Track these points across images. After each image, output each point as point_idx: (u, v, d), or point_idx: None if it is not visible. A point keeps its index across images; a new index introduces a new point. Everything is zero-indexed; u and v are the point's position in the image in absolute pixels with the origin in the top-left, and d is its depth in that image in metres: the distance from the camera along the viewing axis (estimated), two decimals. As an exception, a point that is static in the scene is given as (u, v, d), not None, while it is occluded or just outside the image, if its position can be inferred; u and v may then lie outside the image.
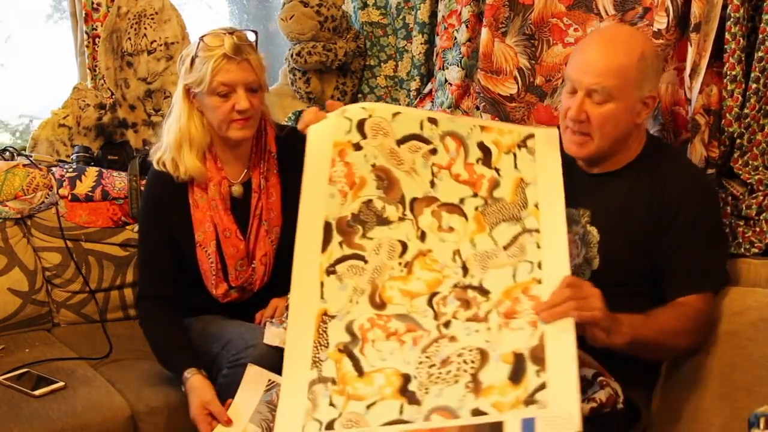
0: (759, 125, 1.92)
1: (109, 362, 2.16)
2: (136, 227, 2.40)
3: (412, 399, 1.50)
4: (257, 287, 2.00)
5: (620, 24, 2.11)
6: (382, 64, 3.00)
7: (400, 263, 1.65)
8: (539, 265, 1.58)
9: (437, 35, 2.65)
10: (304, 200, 1.67)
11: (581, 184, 1.80)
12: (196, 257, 1.97)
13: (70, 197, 2.47)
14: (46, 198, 2.44)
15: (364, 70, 3.01)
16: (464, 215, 1.68)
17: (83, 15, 2.76)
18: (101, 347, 2.21)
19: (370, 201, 1.69)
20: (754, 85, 1.89)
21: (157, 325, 1.97)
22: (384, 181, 1.70)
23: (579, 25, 2.24)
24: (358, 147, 1.71)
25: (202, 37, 1.89)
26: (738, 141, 1.94)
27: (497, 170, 1.71)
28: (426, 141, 1.73)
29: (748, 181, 1.93)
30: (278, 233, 2.01)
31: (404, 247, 1.66)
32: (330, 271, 1.63)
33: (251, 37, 1.93)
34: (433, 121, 1.75)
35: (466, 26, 2.44)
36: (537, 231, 1.62)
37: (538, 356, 1.47)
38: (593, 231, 1.78)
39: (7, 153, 2.57)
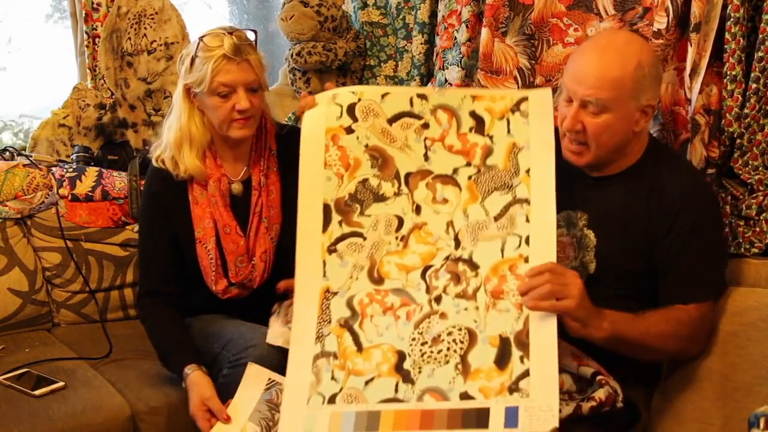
0: (759, 125, 1.92)
1: (109, 362, 2.16)
2: (137, 227, 2.40)
3: (407, 378, 1.61)
4: (257, 284, 2.00)
5: (617, 30, 2.04)
6: (382, 64, 3.00)
7: (396, 237, 1.73)
8: (527, 241, 1.65)
9: (437, 35, 2.65)
10: (303, 186, 1.76)
11: (580, 186, 1.80)
12: (196, 254, 1.98)
13: (70, 197, 2.47)
14: (46, 198, 2.44)
15: (364, 70, 3.01)
16: (458, 185, 1.74)
17: (83, 15, 2.77)
18: (101, 347, 2.21)
19: (365, 180, 1.77)
20: (754, 85, 1.89)
21: (158, 322, 1.98)
22: (378, 159, 1.78)
23: (579, 25, 2.24)
24: (350, 130, 1.79)
25: (202, 37, 1.89)
26: (738, 141, 1.94)
27: (491, 137, 1.75)
28: (417, 116, 1.79)
29: (748, 181, 1.93)
30: (278, 230, 2.01)
31: (400, 221, 1.74)
32: (331, 249, 1.73)
33: (251, 36, 1.93)
34: (422, 96, 1.80)
35: (466, 26, 2.44)
36: (527, 202, 1.68)
37: (523, 342, 1.56)
38: (590, 235, 1.77)
39: (7, 153, 2.57)
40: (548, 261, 1.60)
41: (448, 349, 1.61)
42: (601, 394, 1.59)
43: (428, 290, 1.68)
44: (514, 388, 1.53)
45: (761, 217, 1.91)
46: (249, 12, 3.57)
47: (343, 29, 2.94)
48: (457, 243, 1.70)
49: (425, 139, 1.78)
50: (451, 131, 1.77)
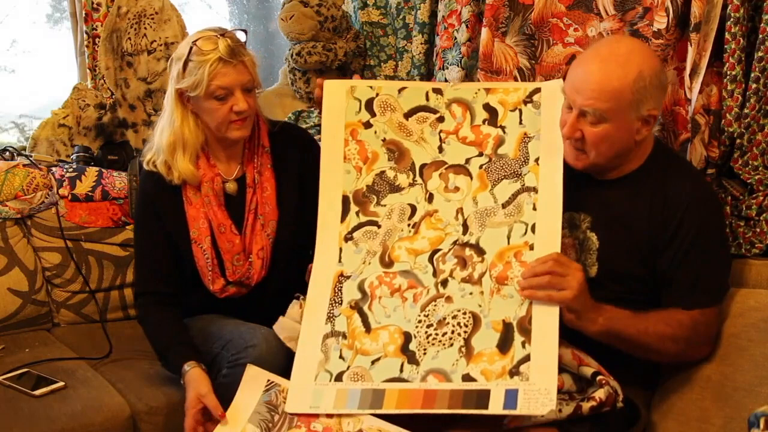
0: (759, 125, 1.92)
1: (109, 362, 2.16)
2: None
3: (412, 359, 1.67)
4: (255, 281, 2.00)
5: (621, 38, 1.97)
6: (382, 64, 3.00)
7: (408, 225, 1.81)
8: (533, 229, 1.70)
9: (437, 35, 2.65)
10: (323, 178, 1.85)
11: (583, 188, 1.78)
12: (192, 254, 1.98)
13: (70, 197, 2.47)
14: (46, 198, 2.44)
15: (364, 70, 3.01)
16: (469, 174, 1.81)
17: (83, 15, 2.77)
18: (101, 347, 2.21)
19: (383, 172, 1.85)
20: (754, 85, 1.89)
21: (156, 322, 1.97)
22: (395, 152, 1.86)
23: (579, 25, 2.24)
24: (368, 125, 1.87)
25: (195, 41, 1.87)
26: (738, 141, 1.93)
27: (503, 128, 1.82)
28: (433, 111, 1.87)
29: (748, 181, 1.93)
30: (274, 227, 2.01)
31: (413, 209, 1.82)
32: (348, 238, 1.82)
33: (241, 36, 1.93)
34: (438, 91, 1.88)
35: (466, 26, 2.44)
36: (535, 190, 1.73)
37: (525, 327, 1.61)
38: (593, 237, 1.76)
39: (7, 153, 2.57)
40: (553, 250, 1.64)
41: (453, 332, 1.67)
42: (601, 394, 1.59)
43: (435, 273, 1.74)
44: (514, 372, 1.57)
45: (761, 218, 1.90)
46: (249, 12, 3.57)
47: (343, 29, 2.94)
48: (465, 228, 1.76)
49: (440, 132, 1.85)
50: (465, 124, 1.84)
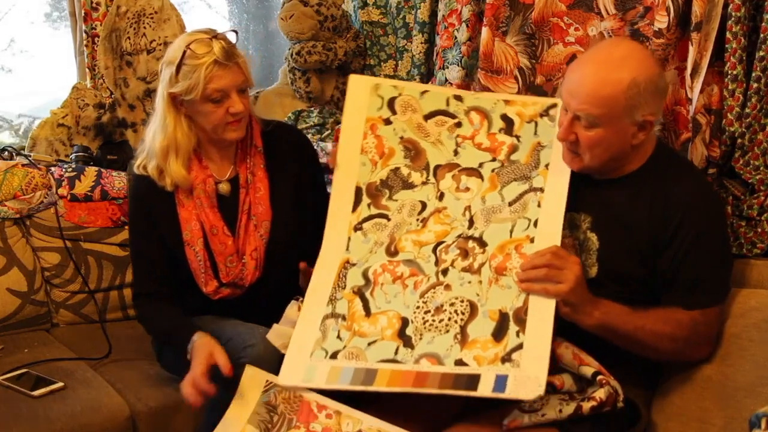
0: (760, 125, 1.91)
1: (109, 362, 2.16)
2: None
3: (407, 343, 1.70)
4: (248, 282, 1.99)
5: (619, 42, 1.92)
6: (382, 63, 2.99)
7: (417, 219, 1.85)
8: (535, 224, 1.73)
9: (437, 35, 2.64)
10: (339, 168, 1.90)
11: (583, 188, 1.78)
12: (185, 256, 1.97)
13: (69, 197, 2.47)
14: (45, 198, 2.44)
15: (364, 70, 3.00)
16: (481, 177, 1.86)
17: (82, 14, 2.76)
18: (101, 347, 2.21)
19: (397, 168, 1.90)
20: (755, 85, 1.89)
21: (155, 315, 1.97)
22: (411, 151, 1.91)
23: (579, 25, 2.24)
24: (388, 122, 1.93)
25: (189, 44, 1.86)
26: (739, 140, 1.93)
27: (517, 137, 1.87)
28: (452, 116, 1.92)
29: (750, 181, 1.93)
30: (268, 227, 2.00)
31: (423, 206, 1.86)
32: (357, 228, 1.86)
33: (232, 38, 1.92)
34: (458, 98, 1.94)
35: (467, 25, 2.44)
36: (541, 190, 1.77)
37: (521, 318, 1.63)
38: (593, 238, 1.76)
39: (6, 153, 2.57)
40: (552, 243, 1.66)
41: (449, 319, 1.70)
42: (601, 394, 1.59)
43: (437, 263, 1.78)
44: (506, 359, 1.60)
45: (763, 218, 1.90)
46: (249, 11, 3.56)
47: (342, 29, 2.93)
48: (471, 223, 1.80)
49: (457, 136, 1.90)
50: (481, 131, 1.90)
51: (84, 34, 2.77)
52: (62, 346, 2.26)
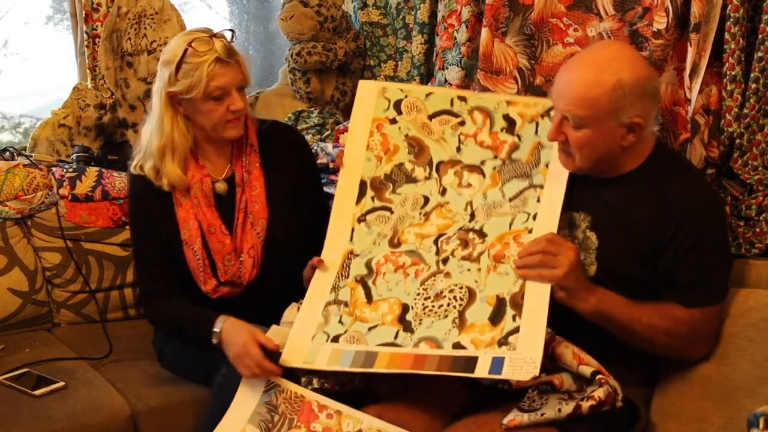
0: (758, 125, 1.92)
1: (109, 362, 2.16)
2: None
3: (407, 327, 1.76)
4: (246, 280, 2.00)
5: (608, 44, 1.94)
6: (382, 64, 3.00)
7: (420, 213, 1.91)
8: (534, 217, 1.78)
9: (437, 35, 2.65)
10: (346, 164, 1.97)
11: (582, 188, 1.79)
12: (184, 255, 1.98)
13: (70, 197, 2.47)
14: (46, 198, 2.44)
15: (364, 70, 3.01)
16: (483, 174, 1.91)
17: (83, 15, 2.77)
18: (101, 347, 2.21)
19: (401, 164, 1.96)
20: (753, 85, 1.89)
21: (167, 310, 1.98)
22: (415, 148, 1.97)
23: (579, 25, 2.24)
24: (393, 121, 2.00)
25: (190, 42, 1.87)
26: (737, 141, 1.93)
27: (519, 136, 1.92)
28: (455, 115, 1.98)
29: (748, 182, 1.93)
30: (264, 225, 2.01)
31: (426, 200, 1.92)
32: (360, 219, 1.92)
33: (228, 36, 1.93)
34: (462, 98, 2.00)
35: (466, 26, 2.44)
36: (541, 187, 1.82)
37: (517, 302, 1.68)
38: (592, 237, 1.76)
39: (8, 153, 2.57)
40: (549, 231, 1.70)
41: (449, 304, 1.75)
42: (600, 393, 1.59)
43: (438, 252, 1.84)
44: (503, 342, 1.65)
45: (761, 218, 1.90)
46: (249, 12, 3.57)
47: (343, 29, 2.94)
48: (472, 217, 1.86)
49: (460, 134, 1.96)
50: (484, 129, 1.95)
51: (85, 35, 2.78)
52: (63, 346, 2.26)
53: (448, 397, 1.78)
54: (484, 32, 2.36)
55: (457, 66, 2.48)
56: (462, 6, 2.45)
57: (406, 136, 1.98)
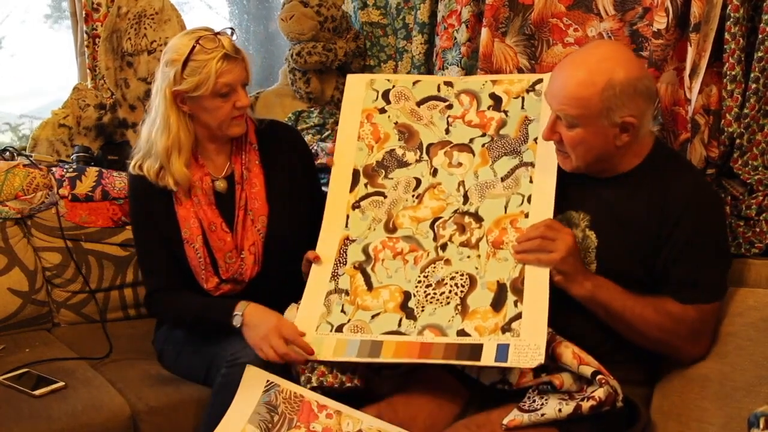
0: (759, 125, 1.92)
1: (109, 362, 2.16)
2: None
3: (410, 315, 1.78)
4: (248, 277, 2.00)
5: (600, 44, 1.93)
6: (382, 64, 3.00)
7: (413, 195, 1.94)
8: (528, 199, 1.81)
9: (437, 35, 2.65)
10: (338, 154, 2.00)
11: (581, 187, 1.79)
12: (185, 254, 1.98)
13: (70, 197, 2.47)
14: (46, 198, 2.44)
15: (363, 71, 3.01)
16: (472, 152, 1.95)
17: (83, 15, 2.76)
18: (101, 347, 2.21)
19: (392, 150, 2.00)
20: (753, 85, 1.89)
21: (179, 302, 1.98)
22: (405, 134, 2.01)
23: (579, 26, 2.24)
24: (382, 111, 2.04)
25: (197, 40, 1.87)
26: (738, 141, 1.93)
27: (506, 112, 1.96)
28: (443, 99, 2.03)
29: (748, 182, 1.93)
30: (265, 222, 2.02)
31: (418, 182, 1.95)
32: (355, 206, 1.95)
33: (230, 35, 1.95)
34: (448, 83, 2.05)
35: (466, 26, 2.44)
36: (532, 165, 1.85)
37: (518, 288, 1.72)
38: (591, 236, 1.77)
39: (7, 153, 2.57)
40: (546, 217, 1.74)
41: (450, 291, 1.78)
42: (601, 393, 1.59)
43: (435, 238, 1.87)
44: (506, 329, 1.68)
45: (761, 218, 1.90)
46: (249, 12, 3.57)
47: (343, 29, 2.94)
48: (466, 199, 1.89)
49: (448, 116, 2.00)
50: (471, 110, 1.99)
51: (85, 35, 2.77)
52: (63, 346, 2.26)
53: (448, 397, 1.78)
54: (484, 32, 2.36)
55: (457, 66, 2.48)
56: (462, 6, 2.45)
57: (396, 123, 2.02)
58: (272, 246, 2.01)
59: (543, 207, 1.77)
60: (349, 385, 1.78)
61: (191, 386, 2.00)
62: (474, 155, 1.93)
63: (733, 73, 1.90)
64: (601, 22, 2.20)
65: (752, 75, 1.89)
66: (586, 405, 1.59)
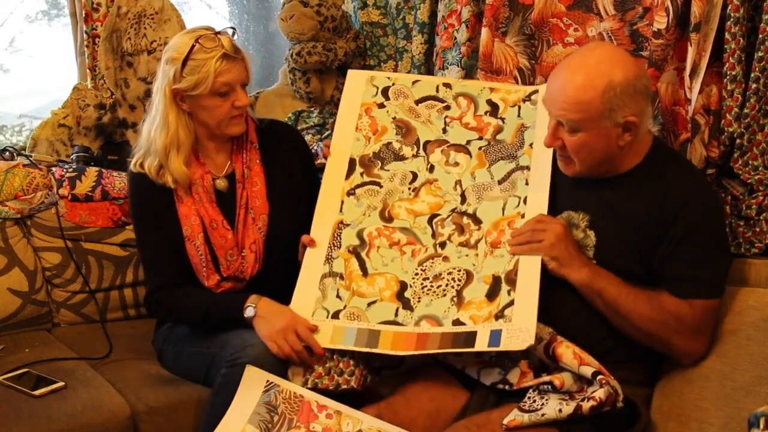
0: (759, 125, 1.92)
1: (109, 362, 2.16)
2: (135, 227, 2.40)
3: (406, 305, 1.82)
4: (249, 275, 2.01)
5: (595, 46, 1.88)
6: (382, 64, 3.00)
7: (409, 188, 1.97)
8: (525, 201, 1.85)
9: (437, 35, 2.65)
10: (334, 145, 2.03)
11: (581, 188, 1.80)
12: (186, 251, 1.98)
13: (69, 197, 2.47)
14: (46, 198, 2.44)
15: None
16: (469, 153, 1.98)
17: (83, 15, 2.76)
18: (101, 347, 2.21)
19: (389, 143, 2.03)
20: (754, 85, 1.89)
21: (186, 298, 1.98)
22: (402, 129, 2.04)
23: (579, 25, 2.24)
24: (381, 106, 2.07)
25: (197, 39, 1.88)
26: (738, 141, 1.93)
27: (502, 119, 2.01)
28: (441, 100, 2.07)
29: (748, 181, 1.93)
30: (266, 220, 2.03)
31: (414, 176, 1.98)
32: (350, 193, 1.98)
33: (230, 34, 1.95)
34: (447, 85, 2.09)
35: (466, 26, 2.44)
36: (528, 168, 1.89)
37: (512, 279, 1.75)
38: (591, 235, 1.77)
39: (7, 153, 2.57)
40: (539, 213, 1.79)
41: (447, 285, 1.82)
42: (601, 393, 1.59)
43: (434, 235, 1.90)
44: (499, 315, 1.71)
45: (761, 217, 1.91)
46: (249, 12, 3.57)
47: (343, 29, 2.94)
48: (463, 199, 1.93)
49: (446, 117, 2.04)
50: (468, 113, 2.03)
51: (85, 35, 2.77)
52: (63, 346, 2.26)
53: (448, 398, 1.78)
54: (484, 32, 2.36)
55: (457, 66, 2.48)
56: (462, 6, 2.45)
57: (394, 118, 2.05)
58: (273, 244, 2.02)
59: (537, 205, 1.81)
60: (345, 387, 1.78)
61: (191, 386, 2.00)
62: (471, 157, 1.97)
63: (734, 72, 1.90)
64: (601, 21, 2.20)
65: (752, 75, 1.89)
66: (586, 405, 1.59)
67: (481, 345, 1.68)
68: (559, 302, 1.73)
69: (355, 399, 1.77)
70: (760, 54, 1.87)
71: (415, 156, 2.00)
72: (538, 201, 1.82)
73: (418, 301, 1.82)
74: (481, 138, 1.99)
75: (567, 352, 1.65)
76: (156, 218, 2.00)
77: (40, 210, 2.43)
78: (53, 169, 2.51)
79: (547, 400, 1.63)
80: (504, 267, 1.78)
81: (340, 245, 1.91)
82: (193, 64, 1.88)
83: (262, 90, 3.09)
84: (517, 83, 2.34)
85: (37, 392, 1.92)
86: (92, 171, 2.53)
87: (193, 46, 1.88)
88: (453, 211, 1.91)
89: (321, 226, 1.94)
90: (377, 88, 2.09)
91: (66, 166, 2.54)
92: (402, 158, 2.00)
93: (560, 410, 1.59)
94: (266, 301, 1.88)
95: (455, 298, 1.79)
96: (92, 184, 2.50)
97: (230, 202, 2.02)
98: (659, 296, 1.70)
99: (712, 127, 1.98)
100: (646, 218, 1.72)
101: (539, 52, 2.32)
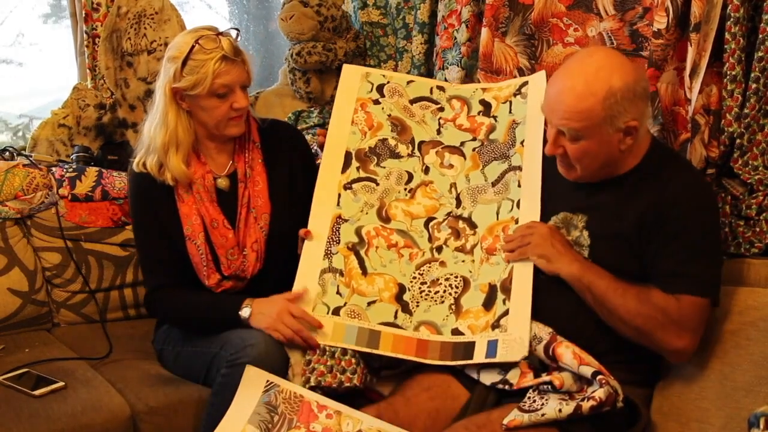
0: (759, 125, 1.92)
1: (109, 362, 2.16)
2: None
3: (405, 308, 1.85)
4: (250, 274, 2.01)
5: (592, 52, 1.84)
6: (382, 64, 3.00)
7: (405, 188, 1.99)
8: (518, 204, 1.87)
9: (437, 35, 2.65)
10: (330, 137, 2.03)
11: (578, 189, 1.81)
12: (187, 250, 1.98)
13: (69, 197, 2.47)
14: (46, 198, 2.44)
15: (364, 70, 3.00)
16: (463, 155, 2.01)
17: (83, 15, 2.76)
18: (101, 347, 2.21)
19: (385, 139, 2.04)
20: (754, 85, 1.89)
21: (180, 299, 1.99)
22: (398, 126, 2.05)
23: (579, 25, 2.24)
24: (377, 102, 2.08)
25: (197, 39, 1.88)
26: (738, 141, 1.93)
27: (495, 117, 2.03)
28: (435, 102, 2.10)
29: (748, 181, 1.93)
30: (267, 220, 2.03)
31: (410, 176, 2.00)
32: (347, 186, 1.98)
33: (234, 36, 1.95)
34: (441, 88, 2.13)
35: (466, 26, 2.44)
36: (519, 169, 1.90)
37: (507, 287, 1.77)
38: (584, 234, 1.78)
39: (7, 153, 2.57)
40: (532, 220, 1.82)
41: (445, 291, 1.85)
42: (601, 393, 1.59)
43: (431, 239, 1.93)
44: (496, 325, 1.74)
45: (761, 217, 1.90)
46: (249, 12, 3.57)
47: (343, 29, 2.94)
48: (458, 202, 1.95)
49: (439, 118, 2.07)
50: (462, 114, 2.06)
51: (85, 35, 2.77)
52: (63, 346, 2.26)
53: (448, 397, 1.78)
54: (484, 32, 2.36)
55: (457, 66, 2.48)
56: (462, 6, 2.45)
57: (389, 115, 2.06)
58: (274, 243, 2.02)
59: (530, 211, 1.84)
60: (348, 385, 1.78)
61: (191, 386, 2.00)
62: (465, 158, 1.99)
63: (734, 72, 1.90)
64: (601, 21, 2.20)
65: (752, 75, 1.89)
66: (586, 405, 1.59)
67: (479, 356, 1.72)
68: (559, 302, 1.73)
69: (355, 399, 1.77)
70: (760, 54, 1.87)
71: (410, 155, 2.02)
72: (531, 209, 1.84)
73: (417, 306, 1.84)
74: (474, 139, 2.01)
75: (567, 352, 1.65)
76: (156, 218, 2.00)
77: (40, 210, 2.43)
78: (53, 169, 2.51)
79: (547, 400, 1.63)
80: (499, 275, 1.80)
81: (339, 241, 1.92)
82: (193, 65, 1.88)
83: (262, 90, 3.09)
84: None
85: (37, 392, 1.92)
86: (92, 171, 2.53)
87: (193, 46, 1.88)
88: (448, 214, 1.94)
89: (319, 220, 1.94)
90: (372, 84, 2.10)
91: (66, 166, 2.54)
92: (398, 156, 2.01)
93: (560, 410, 1.60)
94: (258, 299, 1.89)
95: (453, 306, 1.82)
96: (92, 184, 2.50)
97: (231, 201, 2.03)
98: (649, 291, 1.70)
99: (712, 127, 1.98)
100: (642, 218, 1.72)
101: (539, 52, 2.32)
